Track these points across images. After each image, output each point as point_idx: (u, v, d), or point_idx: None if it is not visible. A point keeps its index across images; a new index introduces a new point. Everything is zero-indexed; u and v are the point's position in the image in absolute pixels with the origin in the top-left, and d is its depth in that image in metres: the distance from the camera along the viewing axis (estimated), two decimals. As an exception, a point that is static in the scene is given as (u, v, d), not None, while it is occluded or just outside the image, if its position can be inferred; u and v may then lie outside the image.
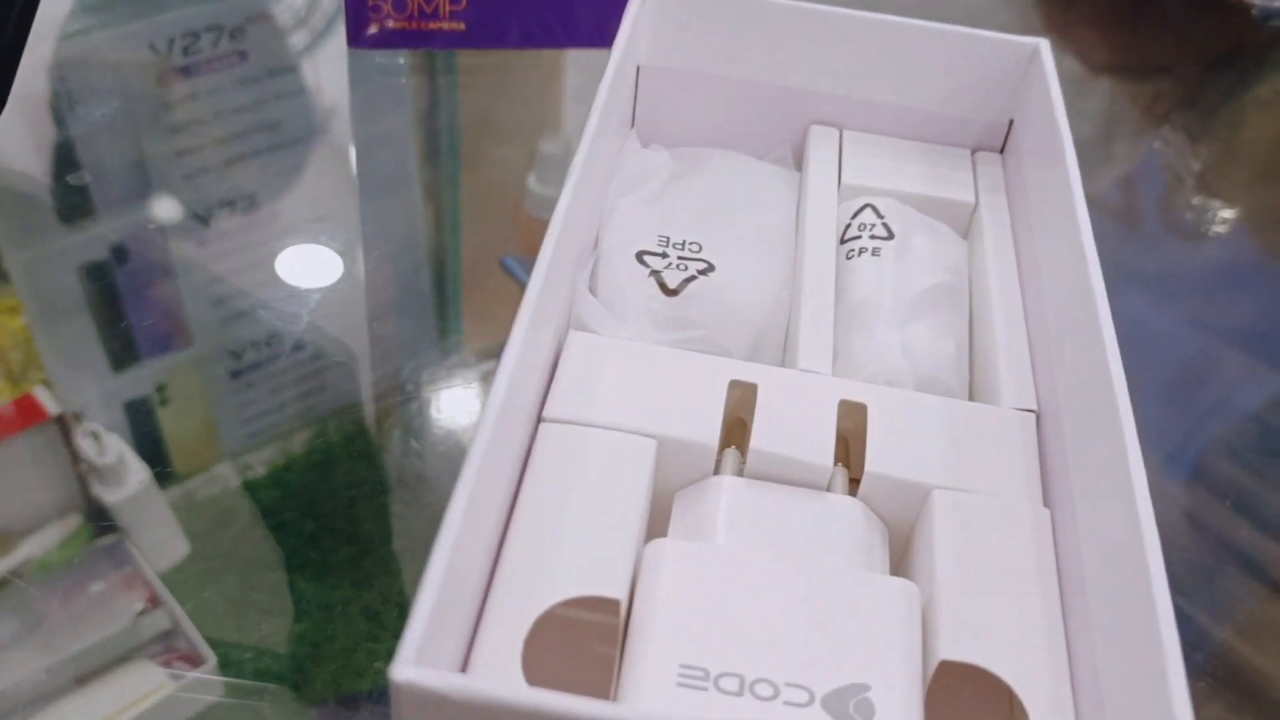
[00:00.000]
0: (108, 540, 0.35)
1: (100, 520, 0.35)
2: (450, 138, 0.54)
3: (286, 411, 0.40)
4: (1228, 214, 0.54)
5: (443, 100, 0.57)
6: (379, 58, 0.55)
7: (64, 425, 0.38)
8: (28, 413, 0.38)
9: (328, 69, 0.56)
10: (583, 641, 0.24)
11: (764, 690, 0.21)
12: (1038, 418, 0.29)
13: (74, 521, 0.35)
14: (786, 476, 0.27)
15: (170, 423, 0.40)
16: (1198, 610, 0.36)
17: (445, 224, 0.49)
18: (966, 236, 0.36)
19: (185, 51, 0.55)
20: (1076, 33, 0.67)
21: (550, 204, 0.28)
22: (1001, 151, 0.38)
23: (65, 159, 0.50)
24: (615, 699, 0.22)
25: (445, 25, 0.54)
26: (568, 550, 0.24)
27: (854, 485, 0.27)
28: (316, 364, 0.41)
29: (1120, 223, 0.54)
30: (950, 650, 0.23)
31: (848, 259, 0.34)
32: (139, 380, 0.41)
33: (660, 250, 0.33)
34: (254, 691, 0.31)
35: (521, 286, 0.26)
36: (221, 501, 0.37)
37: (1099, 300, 0.26)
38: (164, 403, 0.40)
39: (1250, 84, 0.66)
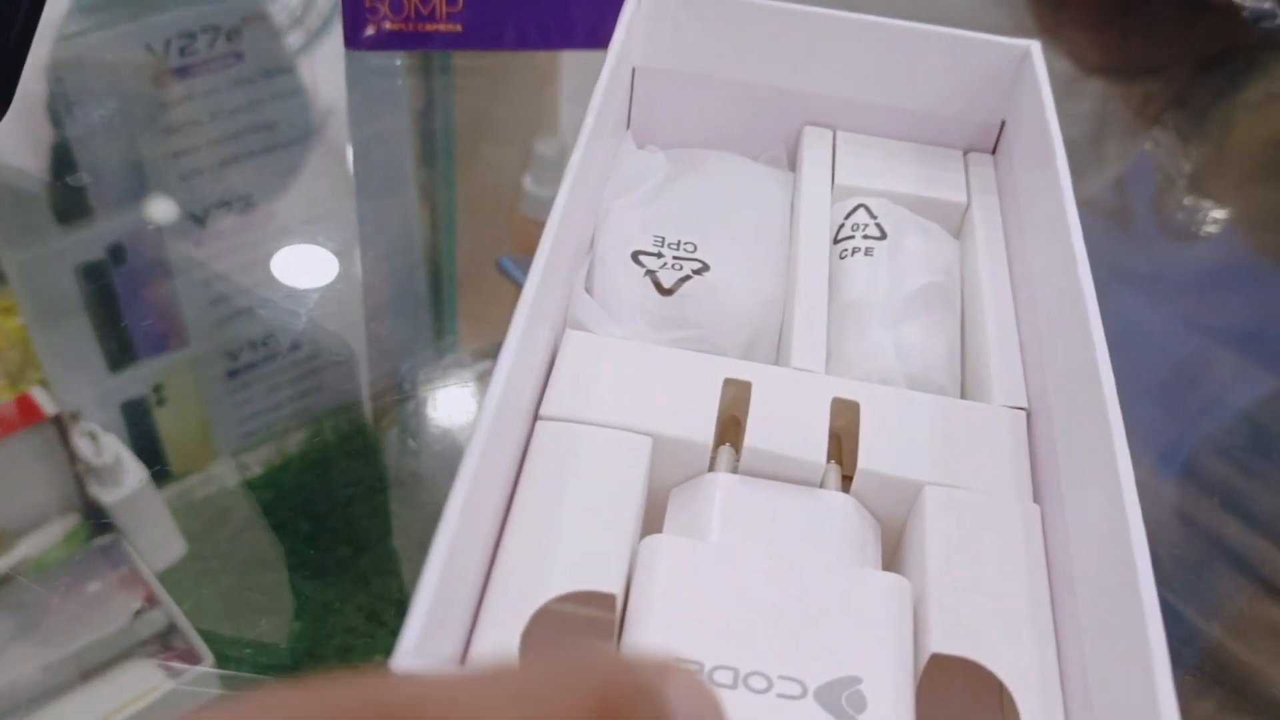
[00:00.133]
0: (105, 540, 0.35)
1: (97, 520, 0.35)
2: (446, 139, 0.55)
3: (283, 411, 0.40)
4: (1219, 214, 0.55)
5: (439, 101, 0.57)
6: (375, 59, 0.56)
7: (61, 425, 0.38)
8: (25, 413, 0.38)
9: (324, 70, 0.56)
10: (579, 636, 0.24)
11: (758, 683, 0.22)
12: (1028, 415, 0.29)
13: (71, 521, 0.35)
14: (780, 473, 0.27)
15: (167, 422, 0.40)
16: (1188, 607, 0.36)
17: (441, 224, 0.49)
18: (958, 236, 0.36)
19: (182, 52, 0.55)
20: (1068, 34, 0.67)
21: (546, 205, 0.28)
22: (993, 152, 0.39)
23: (62, 160, 0.50)
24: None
25: (441, 27, 0.55)
26: (564, 546, 0.24)
27: (847, 482, 0.27)
28: (313, 364, 0.42)
29: (1112, 223, 0.54)
30: (941, 644, 0.23)
31: (841, 259, 0.34)
32: (136, 380, 0.41)
33: (655, 250, 0.33)
34: (252, 689, 0.31)
35: (517, 287, 0.26)
36: (218, 501, 0.37)
37: (1089, 300, 0.27)
38: (161, 403, 0.40)
39: (1241, 85, 0.66)
